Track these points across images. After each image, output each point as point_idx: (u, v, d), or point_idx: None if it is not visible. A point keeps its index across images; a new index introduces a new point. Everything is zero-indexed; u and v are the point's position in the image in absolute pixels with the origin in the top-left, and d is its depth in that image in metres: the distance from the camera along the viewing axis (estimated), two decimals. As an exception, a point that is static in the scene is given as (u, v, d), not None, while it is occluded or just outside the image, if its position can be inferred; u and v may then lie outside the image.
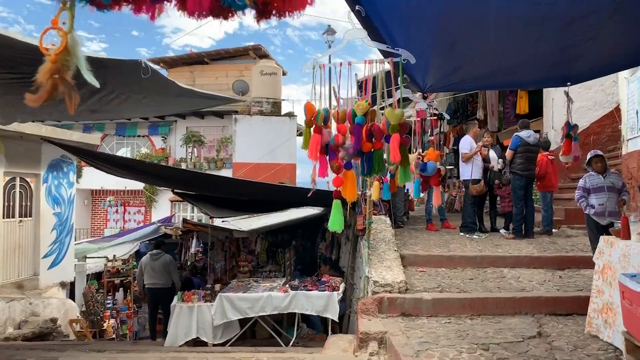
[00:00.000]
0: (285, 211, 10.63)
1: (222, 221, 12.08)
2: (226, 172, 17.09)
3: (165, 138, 18.69)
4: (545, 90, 10.17)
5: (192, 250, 10.65)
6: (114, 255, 12.13)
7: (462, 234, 7.45)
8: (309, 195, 4.08)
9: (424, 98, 6.32)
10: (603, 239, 3.92)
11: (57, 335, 8.45)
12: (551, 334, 3.88)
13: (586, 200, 5.46)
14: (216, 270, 10.93)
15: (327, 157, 3.60)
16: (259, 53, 18.64)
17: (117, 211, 18.84)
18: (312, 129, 3.53)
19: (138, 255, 12.57)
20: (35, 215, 9.58)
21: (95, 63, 2.96)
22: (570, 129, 5.15)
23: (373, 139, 3.45)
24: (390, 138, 3.37)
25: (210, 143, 18.42)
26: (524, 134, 7.06)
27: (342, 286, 6.33)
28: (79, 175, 17.85)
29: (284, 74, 20.49)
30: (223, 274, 11.11)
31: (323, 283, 6.03)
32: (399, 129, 3.27)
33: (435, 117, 8.07)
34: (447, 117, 3.82)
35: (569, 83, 4.25)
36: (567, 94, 4.69)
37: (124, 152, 19.69)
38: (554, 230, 7.57)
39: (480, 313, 4.43)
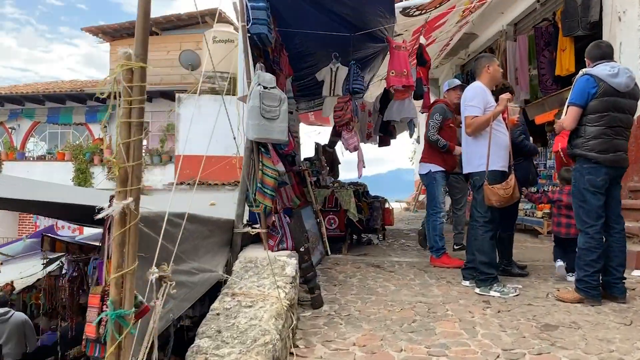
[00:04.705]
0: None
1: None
2: (171, 168, 13.51)
3: (106, 126, 15.08)
4: (608, 32, 6.31)
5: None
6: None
7: (466, 283, 3.68)
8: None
9: None
10: None
11: None
12: None
13: None
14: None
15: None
16: (219, 20, 14.91)
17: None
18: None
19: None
20: None
21: None
22: None
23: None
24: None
25: (156, 132, 14.80)
26: (602, 70, 3.19)
27: None
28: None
29: (256, 48, 16.79)
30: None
31: None
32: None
33: None
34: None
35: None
36: None
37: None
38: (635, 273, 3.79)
39: None
